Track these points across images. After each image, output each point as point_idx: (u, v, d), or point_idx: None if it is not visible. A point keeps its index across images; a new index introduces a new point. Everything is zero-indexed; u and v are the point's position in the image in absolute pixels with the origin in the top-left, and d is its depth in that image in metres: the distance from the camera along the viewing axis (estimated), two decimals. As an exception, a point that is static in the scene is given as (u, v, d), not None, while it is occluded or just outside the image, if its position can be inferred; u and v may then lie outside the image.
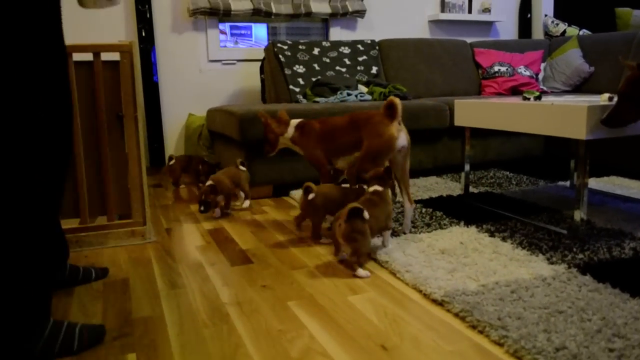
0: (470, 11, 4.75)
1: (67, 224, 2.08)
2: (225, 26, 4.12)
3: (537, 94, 2.20)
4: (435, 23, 4.68)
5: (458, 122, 2.52)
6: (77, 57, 2.09)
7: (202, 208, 2.45)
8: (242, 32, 4.21)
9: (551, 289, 1.47)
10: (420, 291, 1.55)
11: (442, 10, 4.64)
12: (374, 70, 3.90)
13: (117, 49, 2.09)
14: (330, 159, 2.28)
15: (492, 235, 2.01)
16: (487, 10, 4.80)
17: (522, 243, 1.90)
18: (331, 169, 2.30)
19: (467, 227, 2.14)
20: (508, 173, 3.31)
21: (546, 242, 1.90)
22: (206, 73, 4.03)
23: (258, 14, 3.96)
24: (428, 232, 2.09)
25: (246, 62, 4.13)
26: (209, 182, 2.50)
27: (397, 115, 2.04)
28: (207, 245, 2.09)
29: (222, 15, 3.88)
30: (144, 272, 1.79)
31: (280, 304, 1.51)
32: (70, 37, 2.04)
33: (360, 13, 4.27)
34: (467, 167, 2.62)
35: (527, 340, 1.18)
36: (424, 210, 2.43)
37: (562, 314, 1.31)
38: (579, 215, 1.93)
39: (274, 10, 3.99)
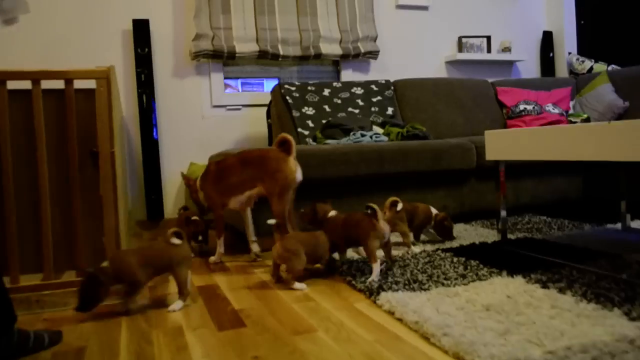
0: (489, 51, 4.48)
1: (27, 280, 1.73)
2: (237, 82, 3.89)
3: (585, 116, 1.85)
4: (452, 64, 4.42)
5: (490, 156, 2.17)
6: (46, 84, 1.80)
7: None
8: (254, 88, 3.97)
9: (645, 356, 1.07)
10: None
11: (460, 51, 4.39)
12: (390, 111, 3.60)
13: (92, 76, 1.80)
14: (223, 199, 2.28)
15: (545, 286, 1.62)
16: (507, 49, 4.53)
17: (586, 295, 1.51)
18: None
19: (512, 277, 1.75)
20: (545, 218, 2.92)
21: (617, 293, 1.50)
22: (209, 119, 3.75)
23: (264, 57, 3.72)
24: (464, 284, 1.70)
25: (252, 107, 3.86)
26: None
27: (292, 151, 2.12)
28: (193, 305, 1.71)
29: (226, 58, 3.64)
30: (107, 338, 1.42)
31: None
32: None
33: (373, 54, 4.02)
34: (503, 211, 2.24)
35: None
36: (455, 259, 2.05)
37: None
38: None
39: (281, 52, 3.74)
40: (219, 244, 2.35)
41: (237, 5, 3.70)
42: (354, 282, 1.82)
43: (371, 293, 1.67)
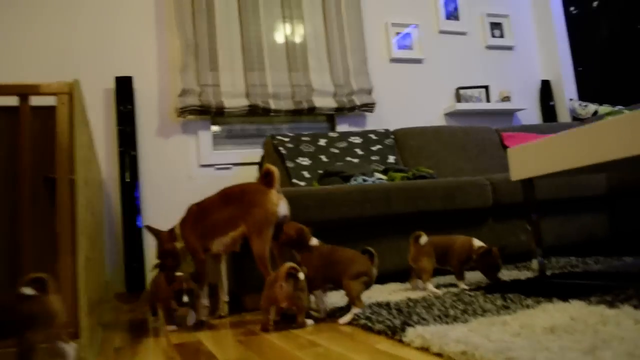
0: (488, 100, 4.31)
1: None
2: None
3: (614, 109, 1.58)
4: (451, 115, 4.22)
5: (516, 175, 1.88)
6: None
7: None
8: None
9: None
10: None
11: (459, 101, 4.21)
12: (391, 159, 3.34)
13: (51, 90, 1.53)
14: (206, 243, 2.01)
15: (613, 306, 1.28)
16: (506, 99, 4.36)
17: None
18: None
19: (567, 302, 1.40)
20: (575, 258, 2.58)
21: None
22: (196, 180, 3.47)
23: (255, 112, 3.51)
24: (509, 314, 1.36)
25: (243, 165, 3.59)
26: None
27: (274, 183, 1.91)
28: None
29: (214, 114, 3.43)
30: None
31: None
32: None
33: (369, 107, 3.82)
34: (539, 254, 1.93)
35: None
36: (488, 295, 1.70)
37: None
38: None
39: (272, 107, 3.53)
40: (202, 296, 2.00)
41: (225, 62, 3.53)
42: (369, 323, 1.46)
43: (394, 332, 1.32)
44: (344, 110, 3.72)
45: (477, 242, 2.07)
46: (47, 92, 1.53)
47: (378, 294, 2.03)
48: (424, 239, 2.01)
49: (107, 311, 2.87)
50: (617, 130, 1.44)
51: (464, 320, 1.33)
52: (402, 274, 2.39)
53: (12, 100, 1.55)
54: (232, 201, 1.93)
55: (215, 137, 3.59)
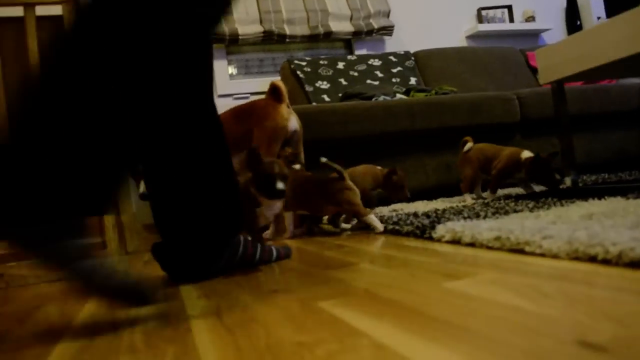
0: (512, 21, 4.13)
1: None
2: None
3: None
4: (473, 38, 4.06)
5: (545, 78, 1.80)
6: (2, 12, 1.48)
7: None
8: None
9: None
10: (592, 257, 0.76)
11: (480, 22, 4.04)
12: (413, 81, 3.24)
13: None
14: None
15: (653, 199, 1.22)
16: (531, 18, 4.18)
17: None
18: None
19: (603, 199, 1.35)
20: (607, 175, 2.51)
21: None
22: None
23: (270, 39, 3.40)
24: (542, 210, 1.31)
25: (261, 95, 3.53)
26: None
27: (283, 98, 1.89)
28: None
29: (228, 42, 3.34)
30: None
31: (306, 305, 0.75)
32: None
33: (388, 30, 3.68)
34: (571, 169, 1.85)
35: None
36: (520, 201, 1.65)
37: None
38: None
39: (287, 32, 3.42)
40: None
41: (238, -13, 3.40)
42: (397, 227, 1.43)
43: (423, 231, 1.28)
44: (362, 35, 3.60)
45: (526, 153, 1.95)
46: (53, 0, 1.47)
47: (404, 208, 2.00)
48: (469, 145, 1.98)
49: (135, 240, 2.90)
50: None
51: (496, 217, 1.29)
52: (427, 192, 2.35)
53: (17, 11, 1.50)
54: (244, 117, 1.89)
55: (232, 66, 3.52)
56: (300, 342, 0.58)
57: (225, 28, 3.28)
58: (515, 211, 1.38)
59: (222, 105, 3.37)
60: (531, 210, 1.35)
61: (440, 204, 2.02)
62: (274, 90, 1.91)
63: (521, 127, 2.58)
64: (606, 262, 0.75)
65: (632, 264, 0.72)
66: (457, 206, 1.79)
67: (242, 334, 0.64)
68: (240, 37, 3.31)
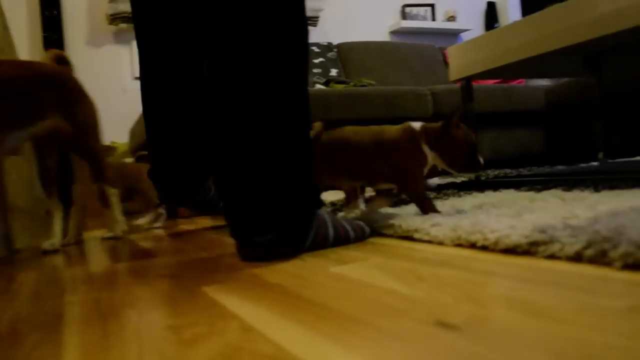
0: (434, 19, 4.25)
1: None
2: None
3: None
4: (396, 33, 4.14)
5: (455, 74, 1.86)
6: None
7: None
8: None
9: None
10: (472, 243, 0.80)
11: (404, 19, 4.12)
12: (334, 72, 3.27)
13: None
14: None
15: (540, 191, 1.29)
16: (452, 18, 4.32)
17: (597, 188, 1.19)
18: None
19: (498, 191, 1.42)
20: (509, 170, 2.64)
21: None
22: (132, 93, 3.29)
23: (192, 21, 3.31)
24: (440, 200, 1.36)
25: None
26: None
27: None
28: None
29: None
30: None
31: (188, 290, 0.73)
32: None
33: (312, 20, 3.69)
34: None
35: None
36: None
37: None
38: None
39: (210, 17, 3.35)
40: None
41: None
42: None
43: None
44: (287, 24, 3.58)
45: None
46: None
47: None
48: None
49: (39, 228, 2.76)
50: (555, 19, 1.42)
51: (396, 207, 1.32)
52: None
53: None
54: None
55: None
56: (169, 326, 0.56)
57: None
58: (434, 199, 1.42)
59: (139, 89, 3.26)
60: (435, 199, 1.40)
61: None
62: (58, 59, 1.64)
63: (433, 121, 2.65)
64: (485, 248, 0.79)
65: (507, 250, 0.75)
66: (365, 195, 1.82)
67: (114, 320, 0.62)
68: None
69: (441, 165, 1.14)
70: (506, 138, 2.86)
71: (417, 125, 1.14)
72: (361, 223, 1.03)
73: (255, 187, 0.87)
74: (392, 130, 1.13)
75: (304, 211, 0.91)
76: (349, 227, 0.99)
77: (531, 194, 1.27)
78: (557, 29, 1.45)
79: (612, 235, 0.62)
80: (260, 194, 0.87)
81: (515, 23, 1.57)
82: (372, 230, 1.04)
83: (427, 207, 1.09)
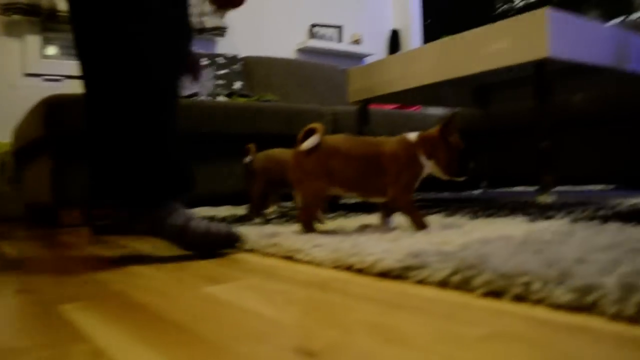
0: (340, 40, 4.35)
1: None
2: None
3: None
4: (304, 52, 4.19)
5: (353, 97, 1.90)
6: None
7: None
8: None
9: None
10: (350, 266, 0.80)
11: (312, 37, 4.18)
12: (238, 85, 3.23)
13: None
14: None
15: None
16: (357, 41, 4.44)
17: (475, 215, 1.25)
18: None
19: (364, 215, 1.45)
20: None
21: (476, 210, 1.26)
22: (20, 90, 3.06)
23: (91, 20, 3.15)
24: (332, 220, 1.37)
25: (77, 79, 3.25)
26: None
27: None
28: None
29: (45, 18, 3.02)
30: None
31: (44, 308, 0.67)
32: None
33: (220, 30, 3.64)
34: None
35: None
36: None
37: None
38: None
39: (111, 17, 3.20)
40: None
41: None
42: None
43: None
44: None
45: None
46: None
47: (203, 212, 1.96)
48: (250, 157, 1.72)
49: None
50: (448, 51, 1.49)
51: (288, 225, 1.31)
52: (239, 197, 2.34)
53: None
54: None
55: (53, 45, 3.19)
56: (12, 349, 0.51)
57: (42, 0, 2.97)
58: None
59: (30, 86, 3.04)
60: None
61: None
62: None
63: (334, 141, 2.70)
64: (361, 271, 0.79)
65: (382, 274, 0.76)
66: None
67: (-53, 339, 0.55)
68: (59, 14, 3.02)
69: (437, 172, 1.14)
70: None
71: (413, 136, 1.13)
72: (229, 227, 1.06)
73: (116, 163, 1.04)
74: (390, 142, 1.13)
75: (157, 191, 1.04)
76: (216, 229, 1.04)
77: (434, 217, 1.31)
78: (449, 61, 1.52)
79: (477, 263, 0.64)
80: (120, 169, 1.04)
81: (411, 51, 1.64)
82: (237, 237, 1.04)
83: (418, 220, 1.09)
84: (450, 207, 1.52)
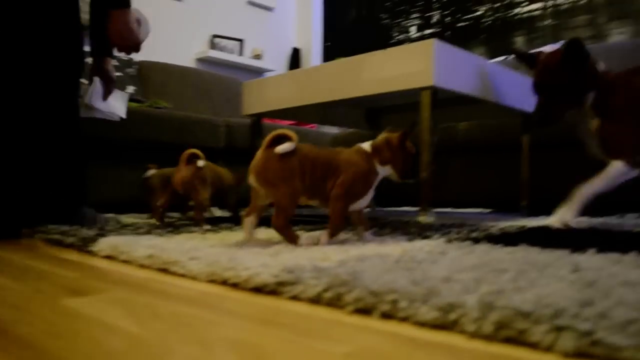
0: (241, 54, 4.32)
1: None
2: None
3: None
4: (203, 62, 4.12)
5: (248, 109, 1.88)
6: None
7: None
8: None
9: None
10: (225, 280, 0.77)
11: (212, 49, 4.12)
12: (131, 89, 3.10)
13: None
14: None
15: (309, 231, 1.34)
16: (258, 56, 4.44)
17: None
18: None
19: (270, 228, 1.44)
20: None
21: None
22: None
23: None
24: (214, 233, 1.33)
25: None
26: None
27: None
28: None
29: None
30: None
31: None
32: None
33: (114, 32, 3.48)
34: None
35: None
36: (205, 226, 1.66)
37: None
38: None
39: None
40: None
41: None
42: (61, 237, 1.29)
43: (86, 242, 1.18)
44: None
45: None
46: None
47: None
48: (202, 162, 1.67)
49: None
50: (340, 72, 1.52)
51: (166, 236, 1.26)
52: (128, 205, 2.22)
53: None
54: None
55: None
56: None
57: None
58: (190, 232, 1.37)
59: None
60: (205, 232, 1.36)
61: (134, 218, 1.92)
62: None
63: (226, 153, 2.66)
64: (237, 285, 0.77)
65: (257, 289, 0.74)
66: (149, 222, 1.72)
67: None
68: None
69: (392, 176, 1.20)
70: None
71: (366, 146, 1.18)
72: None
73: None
74: (347, 152, 1.17)
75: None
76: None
77: (300, 232, 1.31)
78: (342, 82, 1.55)
79: (349, 280, 0.65)
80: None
81: (305, 70, 1.65)
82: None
83: (335, 231, 1.12)
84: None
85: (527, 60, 1.52)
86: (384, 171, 1.19)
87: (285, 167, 1.07)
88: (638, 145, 1.43)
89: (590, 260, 0.82)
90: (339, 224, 1.13)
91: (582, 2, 3.50)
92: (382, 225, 1.50)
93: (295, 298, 0.69)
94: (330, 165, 1.13)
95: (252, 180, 1.10)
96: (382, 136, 1.18)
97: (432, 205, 1.53)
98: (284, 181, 1.07)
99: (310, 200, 1.17)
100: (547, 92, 1.44)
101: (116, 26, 1.50)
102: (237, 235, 1.29)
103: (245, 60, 4.30)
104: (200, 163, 1.55)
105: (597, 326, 0.47)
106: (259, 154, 1.09)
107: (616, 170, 1.40)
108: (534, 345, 0.49)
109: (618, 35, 3.36)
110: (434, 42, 1.38)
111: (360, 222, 1.21)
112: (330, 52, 4.85)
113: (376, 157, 1.17)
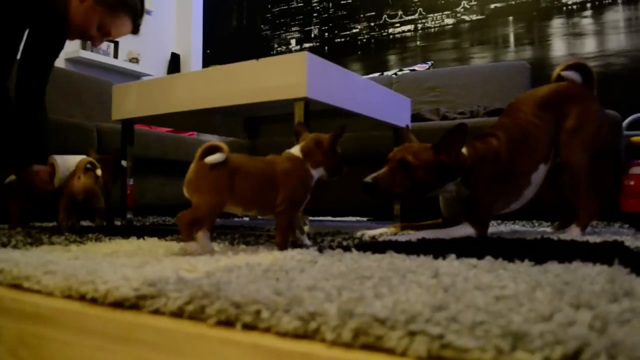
0: (116, 56, 4.13)
1: None
2: None
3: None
4: (74, 63, 3.88)
5: (117, 115, 1.79)
6: None
7: None
8: None
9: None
10: (83, 295, 0.73)
11: (83, 48, 3.89)
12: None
13: None
14: None
15: (181, 241, 1.31)
16: (134, 60, 4.26)
17: (233, 242, 1.26)
18: None
19: (142, 239, 1.38)
20: (172, 218, 2.66)
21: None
22: None
23: None
24: (77, 245, 1.25)
25: None
26: None
27: None
28: None
29: None
30: None
31: None
32: None
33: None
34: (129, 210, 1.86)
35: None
36: (67, 235, 1.55)
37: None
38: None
39: None
40: None
41: None
42: None
43: None
44: None
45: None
46: None
47: None
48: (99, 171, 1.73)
49: None
50: (211, 80, 1.50)
51: (24, 248, 1.16)
52: None
53: None
54: None
55: None
56: None
57: None
58: (52, 243, 1.28)
59: None
60: (68, 244, 1.28)
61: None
62: None
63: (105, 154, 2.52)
64: (95, 300, 0.73)
65: (117, 304, 0.70)
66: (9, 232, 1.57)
67: None
68: None
69: (323, 176, 1.27)
70: (172, 186, 2.89)
71: (296, 151, 1.22)
72: None
73: None
74: (281, 160, 1.20)
75: None
76: None
77: (173, 243, 1.27)
78: (214, 90, 1.53)
79: (212, 291, 0.64)
80: None
81: (176, 76, 1.62)
82: None
83: (284, 240, 1.16)
84: (214, 233, 1.51)
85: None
86: (317, 173, 1.24)
87: (214, 178, 1.08)
88: (501, 208, 1.57)
89: (450, 265, 0.87)
90: (285, 235, 1.17)
91: (448, 27, 3.77)
92: (258, 235, 1.50)
93: (157, 312, 0.66)
94: (266, 177, 1.15)
95: (185, 192, 1.11)
96: (309, 139, 1.23)
97: (309, 213, 1.55)
98: (210, 192, 1.08)
99: (248, 212, 1.18)
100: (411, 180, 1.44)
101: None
102: (102, 246, 1.22)
103: (121, 63, 4.12)
104: (99, 172, 1.61)
105: (447, 329, 0.49)
106: (192, 166, 1.11)
107: (466, 233, 1.48)
108: (390, 351, 0.50)
109: (479, 59, 3.66)
110: (306, 54, 1.41)
111: (298, 226, 1.28)
112: (211, 60, 4.79)
113: (308, 161, 1.22)
